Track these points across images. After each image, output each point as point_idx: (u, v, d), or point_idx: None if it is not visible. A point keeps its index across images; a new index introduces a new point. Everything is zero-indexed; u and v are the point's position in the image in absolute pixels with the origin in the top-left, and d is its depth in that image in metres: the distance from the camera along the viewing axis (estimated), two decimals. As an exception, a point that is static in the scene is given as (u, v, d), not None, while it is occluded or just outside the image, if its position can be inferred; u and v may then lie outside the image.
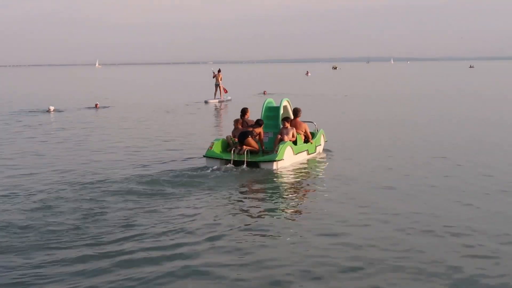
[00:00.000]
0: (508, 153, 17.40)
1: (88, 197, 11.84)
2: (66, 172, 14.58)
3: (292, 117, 16.39)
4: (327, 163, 15.95)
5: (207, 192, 12.28)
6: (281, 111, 16.56)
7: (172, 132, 22.95)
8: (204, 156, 15.06)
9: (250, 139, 15.06)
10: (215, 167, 14.62)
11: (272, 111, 16.75)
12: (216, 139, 15.49)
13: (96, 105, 35.16)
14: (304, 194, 12.57)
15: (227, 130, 19.74)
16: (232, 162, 14.74)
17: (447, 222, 10.01)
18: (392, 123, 25.32)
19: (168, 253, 8.71)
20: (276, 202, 11.75)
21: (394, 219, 10.26)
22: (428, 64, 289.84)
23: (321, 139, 17.29)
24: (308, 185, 13.43)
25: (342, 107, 35.01)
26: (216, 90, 41.19)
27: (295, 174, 14.31)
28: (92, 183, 13.09)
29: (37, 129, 24.74)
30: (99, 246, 9.01)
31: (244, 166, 14.62)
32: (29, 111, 32.67)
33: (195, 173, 14.08)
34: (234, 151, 14.90)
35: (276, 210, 11.13)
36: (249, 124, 15.97)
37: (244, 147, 14.96)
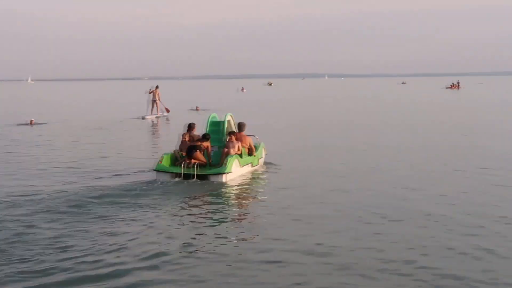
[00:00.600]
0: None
1: (19, 216, 11.63)
2: None
3: (236, 131, 17.08)
4: (269, 175, 16.70)
5: (156, 206, 12.60)
6: (226, 126, 17.28)
7: (113, 148, 23.11)
8: (154, 170, 15.57)
9: (198, 153, 15.69)
10: (165, 180, 15.15)
11: (216, 126, 17.44)
12: (165, 153, 16.03)
13: (31, 121, 34.47)
14: (250, 208, 13.06)
15: (168, 144, 20.49)
16: (182, 175, 15.29)
17: (378, 229, 10.85)
18: (323, 130, 28.38)
19: (105, 271, 8.70)
20: (225, 216, 12.00)
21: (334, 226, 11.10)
22: (362, 80, 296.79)
23: (262, 152, 18.07)
24: (253, 197, 14.08)
25: (277, 120, 36.33)
26: (152, 106, 41.10)
27: (241, 187, 14.97)
28: (24, 201, 12.93)
29: None
30: (30, 269, 8.80)
31: (194, 179, 15.22)
32: None
33: (145, 187, 14.54)
34: (183, 165, 15.47)
35: (224, 224, 11.40)
36: (195, 138, 16.60)
37: (193, 160, 15.57)
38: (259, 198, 13.92)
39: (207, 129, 17.23)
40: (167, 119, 39.22)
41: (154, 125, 36.01)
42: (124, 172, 16.90)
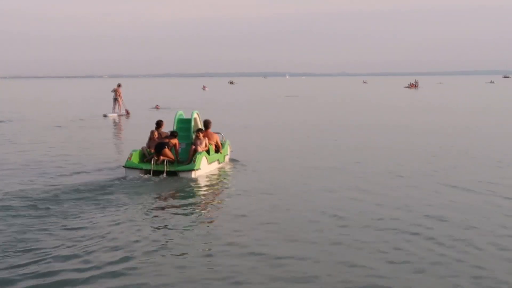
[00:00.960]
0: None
1: None
2: None
3: (202, 128, 17.38)
4: (235, 172, 17.08)
5: (127, 203, 12.69)
6: (193, 123, 17.61)
7: (77, 146, 22.96)
8: (124, 167, 15.82)
9: (166, 150, 15.99)
10: (134, 177, 15.41)
11: (183, 123, 17.78)
12: (134, 150, 16.27)
13: None
14: (218, 205, 13.20)
15: (133, 142, 21.24)
16: (151, 172, 15.58)
17: (345, 222, 11.31)
18: (282, 128, 29.10)
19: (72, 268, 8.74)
20: (193, 214, 12.11)
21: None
22: (323, 79, 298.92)
23: (228, 149, 18.47)
24: (221, 194, 14.32)
25: (240, 118, 36.86)
26: (114, 104, 41.13)
27: (209, 183, 15.29)
28: None
29: None
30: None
31: (164, 175, 15.51)
32: None
33: (115, 183, 14.73)
34: (152, 162, 15.75)
35: (193, 222, 11.52)
36: (163, 135, 16.89)
37: (161, 157, 15.86)
38: (226, 195, 14.17)
39: (175, 127, 17.55)
40: (127, 117, 39.20)
41: (116, 123, 35.93)
42: (91, 169, 17.03)
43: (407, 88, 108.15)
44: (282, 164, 18.39)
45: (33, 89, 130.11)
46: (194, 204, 13.08)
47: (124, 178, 15.39)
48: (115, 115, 40.07)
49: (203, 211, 12.46)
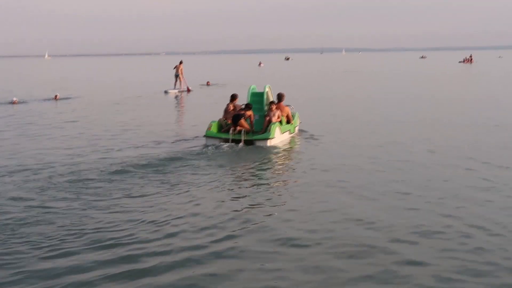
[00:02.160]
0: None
1: (91, 179, 12.80)
2: (76, 155, 15.93)
3: (275, 101, 18.79)
4: (304, 141, 18.39)
5: (216, 169, 14.08)
6: (265, 96, 19.05)
7: (148, 120, 24.44)
8: (204, 136, 17.42)
9: (242, 120, 17.48)
10: (215, 144, 17.02)
11: (257, 96, 19.30)
12: (213, 121, 17.87)
13: (55, 96, 35.47)
14: (292, 173, 14.17)
15: (202, 115, 23.16)
16: (230, 140, 17.11)
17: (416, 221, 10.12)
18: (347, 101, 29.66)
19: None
20: (271, 184, 12.84)
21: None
22: (381, 55, 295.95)
23: (297, 121, 19.87)
24: (294, 162, 15.53)
25: (299, 92, 37.61)
26: (176, 80, 42.62)
27: (283, 151, 16.73)
28: (91, 168, 13.96)
29: (23, 117, 25.86)
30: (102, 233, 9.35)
31: (241, 144, 17.05)
32: None
33: (199, 150, 16.42)
34: (231, 131, 17.26)
35: (273, 189, 12.36)
36: (238, 108, 18.37)
37: (238, 127, 17.36)
38: (297, 162, 15.41)
39: (249, 99, 19.04)
40: (188, 94, 40.56)
41: (178, 99, 37.12)
42: (169, 140, 18.54)
43: (461, 63, 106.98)
44: (344, 136, 19.48)
45: (91, 67, 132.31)
46: (269, 170, 14.35)
47: (205, 146, 16.98)
48: (175, 91, 41.40)
49: (279, 181, 13.25)
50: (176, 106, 33.27)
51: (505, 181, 12.62)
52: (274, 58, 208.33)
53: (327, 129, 20.85)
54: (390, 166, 14.47)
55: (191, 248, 8.68)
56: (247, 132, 17.50)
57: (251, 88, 19.53)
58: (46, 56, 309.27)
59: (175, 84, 42.68)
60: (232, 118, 17.62)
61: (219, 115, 18.56)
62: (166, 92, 40.94)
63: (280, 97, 18.92)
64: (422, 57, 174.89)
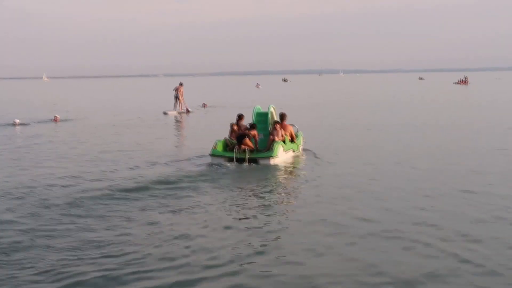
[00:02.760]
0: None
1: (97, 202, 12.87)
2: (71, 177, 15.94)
3: (278, 120, 19.28)
4: (308, 160, 18.82)
5: (217, 187, 14.42)
6: (269, 116, 19.54)
7: (150, 141, 24.66)
8: (210, 155, 17.85)
9: (247, 140, 17.94)
10: (220, 163, 17.42)
11: (261, 116, 19.83)
12: (218, 140, 18.31)
13: (55, 118, 35.46)
14: (295, 190, 14.72)
15: (203, 135, 23.71)
16: (235, 159, 17.54)
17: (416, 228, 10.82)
18: (350, 127, 29.44)
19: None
20: (273, 202, 13.21)
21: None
22: (379, 76, 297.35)
23: (301, 140, 20.30)
24: (296, 180, 15.97)
25: (300, 114, 37.86)
26: (175, 101, 42.95)
27: (285, 169, 17.13)
28: (95, 189, 14.13)
29: (22, 139, 26.05)
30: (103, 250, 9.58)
31: (246, 162, 17.48)
32: None
33: (204, 169, 16.84)
34: (235, 150, 17.69)
35: (274, 207, 12.77)
36: (243, 127, 18.83)
37: (243, 146, 17.80)
38: (300, 180, 15.80)
39: (254, 119, 19.50)
40: (187, 115, 40.78)
41: (177, 120, 37.37)
42: (172, 160, 18.83)
43: (457, 84, 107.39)
44: (346, 156, 19.92)
45: (92, 88, 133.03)
46: (273, 190, 14.50)
47: (210, 164, 17.40)
48: (175, 112, 41.71)
49: (282, 198, 13.72)
50: (176, 127, 33.49)
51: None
52: (272, 80, 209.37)
53: (330, 149, 21.32)
54: (391, 181, 14.91)
55: (196, 275, 8.64)
56: (251, 151, 17.92)
57: (256, 108, 20.06)
58: (44, 78, 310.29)
59: (174, 106, 43.02)
60: (237, 137, 18.07)
61: (220, 135, 19.04)
62: (165, 113, 41.25)
63: (282, 116, 19.39)
64: (420, 78, 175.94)
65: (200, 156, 19.03)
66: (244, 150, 17.75)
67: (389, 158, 19.49)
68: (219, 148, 17.98)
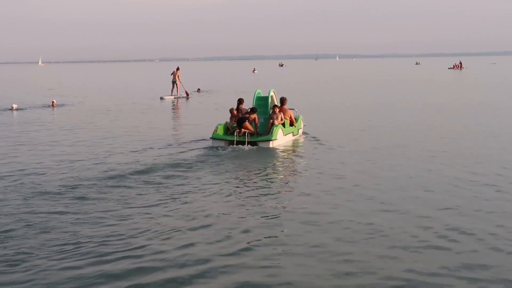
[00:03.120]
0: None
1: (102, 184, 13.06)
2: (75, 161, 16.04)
3: (278, 104, 19.61)
4: (307, 143, 19.13)
5: (218, 169, 14.75)
6: (270, 100, 19.83)
7: (148, 126, 24.78)
8: (211, 138, 18.15)
9: (247, 123, 18.20)
10: (220, 146, 17.77)
11: (261, 100, 20.07)
12: (219, 124, 18.59)
13: (52, 103, 35.42)
14: (293, 172, 14.95)
15: (202, 119, 23.98)
16: (235, 142, 17.85)
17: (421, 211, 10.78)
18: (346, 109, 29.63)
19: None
20: (271, 185, 13.33)
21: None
22: (375, 61, 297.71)
23: (301, 123, 20.61)
24: (295, 162, 16.19)
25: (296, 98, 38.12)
26: (173, 86, 42.89)
27: (284, 152, 17.40)
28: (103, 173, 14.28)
29: (32, 124, 26.15)
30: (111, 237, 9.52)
31: (246, 145, 17.78)
32: None
33: (205, 152, 17.08)
34: (236, 134, 18.01)
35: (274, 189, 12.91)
36: (243, 111, 19.11)
37: (243, 130, 18.09)
38: (300, 164, 16.00)
39: (254, 103, 19.80)
40: (187, 99, 40.98)
41: (174, 105, 37.25)
42: (173, 144, 19.03)
43: (451, 69, 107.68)
44: (345, 138, 20.21)
45: (88, 73, 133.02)
46: (272, 173, 14.73)
47: (211, 148, 17.69)
48: (172, 97, 41.60)
49: (281, 181, 13.84)
50: (174, 112, 33.63)
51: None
52: (268, 65, 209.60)
53: (329, 132, 21.64)
54: (388, 166, 15.13)
55: (201, 260, 8.58)
56: (251, 135, 18.22)
57: (257, 92, 20.33)
58: (40, 63, 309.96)
59: (171, 90, 43.07)
60: (237, 121, 18.35)
61: (218, 119, 19.30)
62: (162, 98, 41.23)
63: (282, 100, 19.69)
64: (417, 63, 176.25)
65: (200, 140, 19.31)
66: (244, 134, 18.04)
67: (384, 139, 19.93)
68: (220, 131, 18.24)
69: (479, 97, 37.64)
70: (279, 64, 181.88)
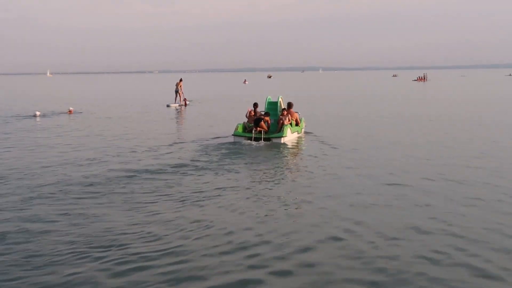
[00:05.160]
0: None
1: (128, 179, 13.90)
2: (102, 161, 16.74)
3: (285, 108, 22.21)
4: (309, 140, 21.59)
5: (244, 160, 16.84)
6: (279, 104, 22.42)
7: (164, 129, 26.17)
8: (233, 135, 20.75)
9: (262, 123, 20.74)
10: (240, 142, 20.34)
11: (272, 104, 22.91)
12: (238, 124, 21.19)
13: (69, 110, 35.85)
14: (300, 163, 17.11)
15: (212, 122, 26.49)
16: (253, 138, 20.39)
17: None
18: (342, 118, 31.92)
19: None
20: (282, 175, 14.92)
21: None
22: (356, 73, 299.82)
23: (303, 124, 23.18)
24: (301, 155, 18.57)
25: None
26: (176, 95, 45.23)
27: (293, 146, 20.00)
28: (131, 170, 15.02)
29: (53, 129, 26.49)
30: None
31: (262, 141, 20.39)
32: (16, 116, 33.61)
33: (228, 146, 19.55)
34: (253, 131, 20.49)
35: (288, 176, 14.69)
36: (258, 114, 21.69)
37: (258, 128, 20.60)
38: (304, 156, 18.30)
39: (266, 107, 22.53)
40: (185, 106, 42.72)
41: (178, 111, 39.06)
42: (199, 140, 21.39)
43: (415, 81, 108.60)
44: (340, 134, 22.91)
45: (95, 84, 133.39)
46: (284, 160, 17.39)
47: (233, 143, 20.22)
48: (176, 105, 43.59)
49: (290, 166, 16.44)
50: (181, 117, 34.66)
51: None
52: (258, 76, 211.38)
53: (325, 131, 24.20)
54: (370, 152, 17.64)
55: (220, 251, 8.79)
56: (265, 132, 20.69)
57: (268, 98, 23.17)
58: (48, 74, 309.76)
59: (175, 99, 45.41)
60: (254, 121, 20.87)
61: (227, 122, 21.92)
62: (168, 106, 43.14)
63: (289, 105, 22.32)
64: (394, 75, 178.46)
65: (221, 137, 21.84)
66: (260, 131, 20.51)
67: (366, 137, 22.23)
68: (240, 129, 20.81)
69: (415, 109, 38.06)
70: (268, 76, 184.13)
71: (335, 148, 19.30)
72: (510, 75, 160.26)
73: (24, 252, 8.70)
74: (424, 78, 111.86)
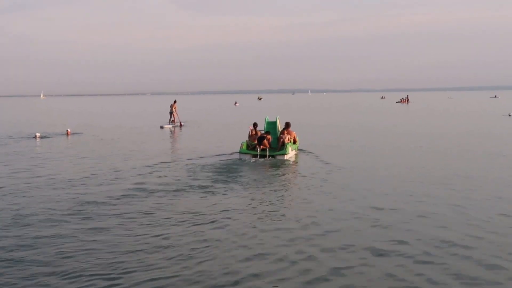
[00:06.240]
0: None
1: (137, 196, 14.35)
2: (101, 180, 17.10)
3: (285, 127, 23.82)
4: (304, 156, 23.11)
5: (247, 177, 17.63)
6: (277, 124, 24.16)
7: (159, 149, 26.72)
8: (238, 152, 22.24)
9: (265, 141, 22.19)
10: (244, 158, 21.74)
11: (270, 124, 24.69)
12: (243, 142, 22.68)
13: (67, 132, 36.17)
14: (301, 177, 17.83)
15: (201, 144, 27.15)
16: (258, 156, 21.88)
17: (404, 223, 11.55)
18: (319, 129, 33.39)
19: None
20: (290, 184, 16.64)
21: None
22: (345, 95, 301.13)
23: (298, 142, 24.61)
24: (301, 170, 19.71)
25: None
26: (170, 116, 45.97)
27: (294, 162, 21.47)
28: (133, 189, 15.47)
29: (54, 149, 27.19)
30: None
31: (266, 158, 21.88)
32: (16, 137, 33.97)
33: (235, 162, 20.95)
34: (257, 149, 21.95)
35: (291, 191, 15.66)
36: (258, 133, 23.29)
37: (262, 146, 22.00)
38: (304, 171, 19.38)
39: (265, 126, 24.28)
40: (180, 128, 42.91)
41: (172, 132, 39.33)
42: (206, 157, 22.66)
43: (398, 103, 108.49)
44: (331, 151, 24.27)
45: (89, 106, 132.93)
46: (287, 176, 18.37)
47: (239, 159, 21.65)
48: (170, 126, 44.19)
49: (293, 180, 17.54)
50: (177, 137, 35.16)
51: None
52: (248, 98, 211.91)
53: (317, 148, 25.67)
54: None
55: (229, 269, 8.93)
56: (268, 150, 22.19)
57: (266, 118, 25.00)
58: (42, 96, 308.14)
59: (169, 120, 45.90)
60: (258, 139, 22.40)
61: (222, 142, 24.65)
62: (161, 127, 43.30)
63: (287, 124, 23.94)
64: (382, 97, 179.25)
65: (225, 154, 23.18)
66: (263, 149, 21.93)
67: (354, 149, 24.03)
68: (244, 147, 22.26)
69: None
70: (258, 98, 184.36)
71: (327, 163, 20.46)
72: (495, 96, 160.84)
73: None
74: (407, 100, 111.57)
